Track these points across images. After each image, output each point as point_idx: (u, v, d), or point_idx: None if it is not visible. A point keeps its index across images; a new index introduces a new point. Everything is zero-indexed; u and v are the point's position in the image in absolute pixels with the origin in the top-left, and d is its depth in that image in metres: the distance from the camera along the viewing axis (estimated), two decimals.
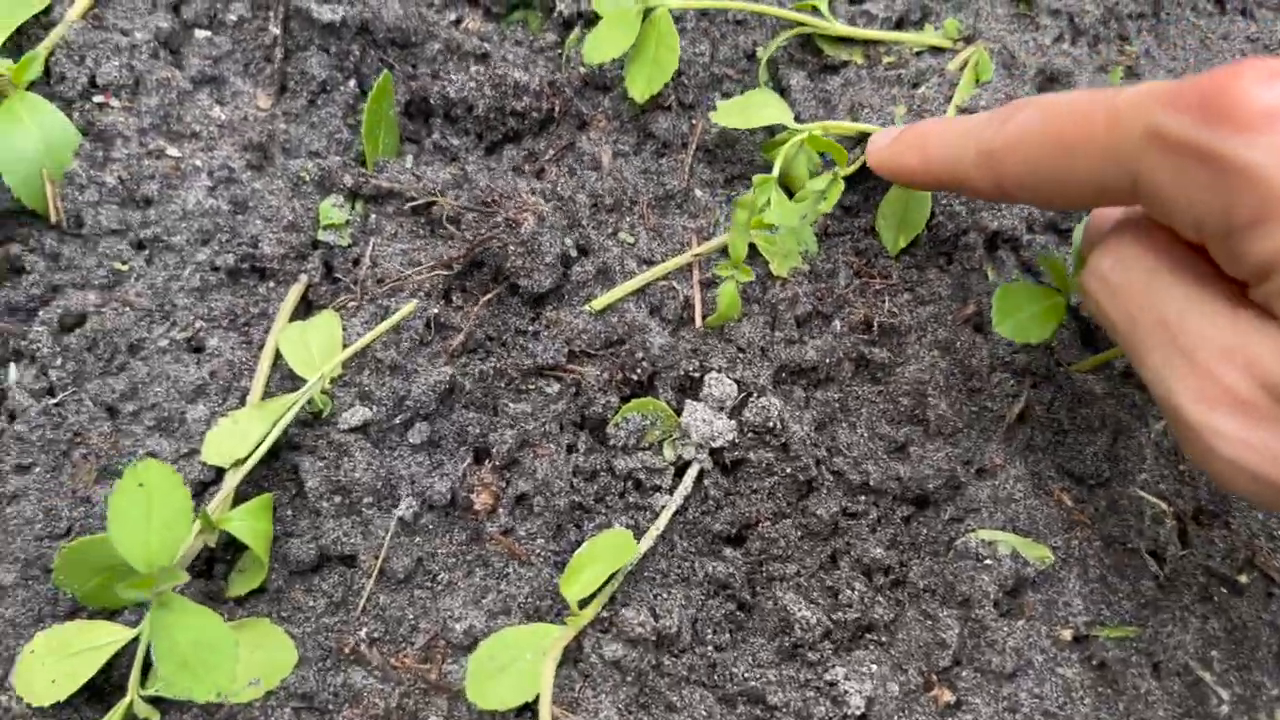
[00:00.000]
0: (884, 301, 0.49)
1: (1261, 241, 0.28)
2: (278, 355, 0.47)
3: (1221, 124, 0.28)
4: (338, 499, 0.44)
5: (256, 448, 0.43)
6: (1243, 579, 0.45)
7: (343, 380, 0.46)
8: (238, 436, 0.44)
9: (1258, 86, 0.28)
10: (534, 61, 0.55)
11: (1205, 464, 0.31)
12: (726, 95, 0.55)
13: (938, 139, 0.42)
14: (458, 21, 0.56)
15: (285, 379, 0.47)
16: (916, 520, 0.46)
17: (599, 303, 0.48)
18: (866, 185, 0.53)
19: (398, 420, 0.45)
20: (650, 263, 0.50)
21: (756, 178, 0.49)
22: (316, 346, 0.46)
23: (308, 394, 0.45)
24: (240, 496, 0.44)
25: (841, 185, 0.49)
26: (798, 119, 0.54)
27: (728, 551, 0.46)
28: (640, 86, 0.52)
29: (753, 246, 0.49)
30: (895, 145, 0.45)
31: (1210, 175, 0.29)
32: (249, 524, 0.42)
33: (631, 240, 0.50)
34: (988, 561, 0.44)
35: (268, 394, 0.46)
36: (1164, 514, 0.45)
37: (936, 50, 0.56)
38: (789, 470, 0.46)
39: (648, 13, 0.52)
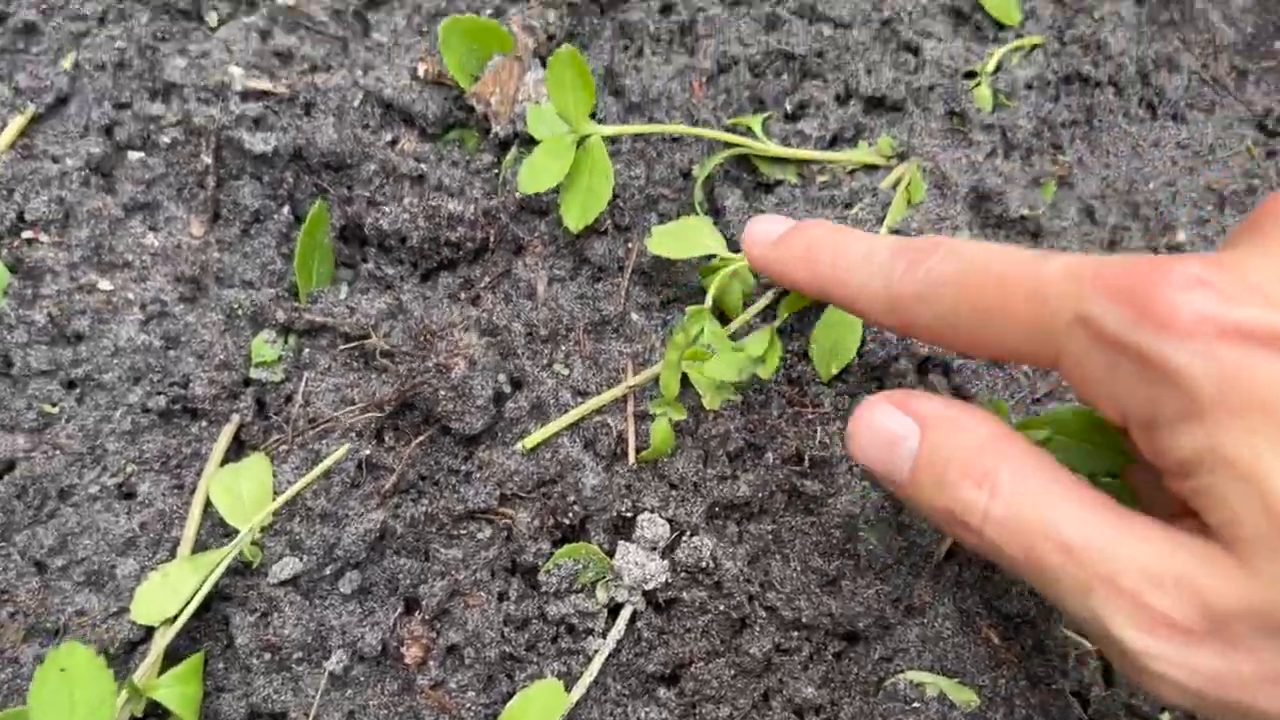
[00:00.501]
0: (816, 431, 0.50)
1: (1186, 439, 0.29)
2: (209, 502, 0.47)
3: (1151, 325, 0.29)
4: (268, 655, 0.44)
5: (186, 605, 0.43)
6: (1164, 718, 0.45)
7: (273, 529, 0.46)
8: (167, 592, 0.43)
9: (1184, 293, 0.29)
10: (470, 183, 0.55)
11: (1143, 684, 0.31)
12: (663, 216, 0.55)
13: (832, 260, 0.41)
14: (394, 142, 0.56)
15: (216, 525, 0.47)
16: (848, 657, 0.47)
17: (530, 441, 0.48)
18: (802, 305, 0.54)
19: (328, 570, 0.45)
20: (585, 394, 0.50)
21: (689, 309, 0.49)
22: (247, 494, 0.46)
23: (238, 547, 0.45)
24: (170, 653, 0.43)
25: (780, 346, 0.49)
26: (733, 240, 0.54)
27: (661, 693, 0.46)
28: (575, 216, 0.52)
29: (687, 376, 0.50)
30: (781, 250, 0.44)
31: (1140, 370, 0.30)
32: (177, 690, 0.42)
33: (566, 372, 0.51)
34: (915, 704, 0.44)
35: (199, 543, 0.46)
36: (1088, 654, 0.46)
37: (870, 168, 0.56)
38: (722, 608, 0.46)
39: (582, 140, 0.52)
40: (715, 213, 0.56)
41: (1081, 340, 0.31)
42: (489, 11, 0.59)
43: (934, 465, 0.34)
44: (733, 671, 0.46)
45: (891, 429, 0.36)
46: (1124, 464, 0.40)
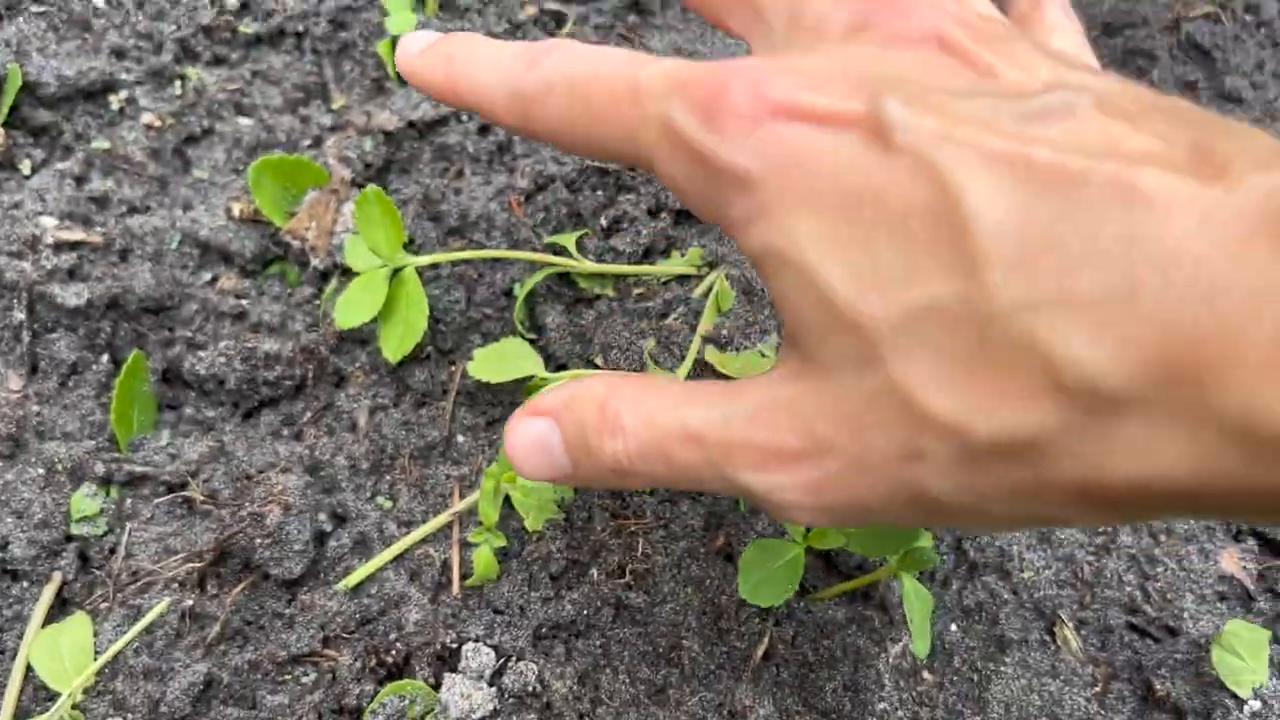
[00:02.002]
0: (639, 543, 0.51)
1: (756, 237, 0.30)
2: (31, 666, 0.47)
3: (716, 128, 0.30)
4: None
5: None
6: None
7: (96, 690, 0.46)
8: None
9: (743, 93, 0.30)
10: (291, 317, 0.56)
11: (784, 516, 0.32)
12: (486, 336, 0.57)
13: (465, 62, 0.41)
14: (213, 281, 0.57)
15: (39, 690, 0.47)
16: None
17: (351, 580, 0.49)
18: None
19: None
20: (410, 524, 0.51)
21: None
22: (68, 656, 0.46)
23: (57, 714, 0.45)
24: None
25: None
26: (554, 357, 0.56)
27: None
28: (392, 348, 0.53)
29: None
30: (423, 57, 0.43)
31: (711, 175, 0.31)
32: None
33: (390, 504, 0.52)
34: None
35: (21, 710, 0.46)
36: None
37: (683, 278, 0.59)
38: None
39: (396, 272, 0.53)
40: (538, 330, 0.58)
41: (665, 146, 0.32)
42: (307, 142, 0.61)
43: (578, 442, 0.35)
44: None
45: (535, 434, 0.37)
46: None
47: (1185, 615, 0.54)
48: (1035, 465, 0.26)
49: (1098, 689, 0.51)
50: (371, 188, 0.51)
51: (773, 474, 0.31)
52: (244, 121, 0.62)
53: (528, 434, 0.37)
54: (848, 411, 0.29)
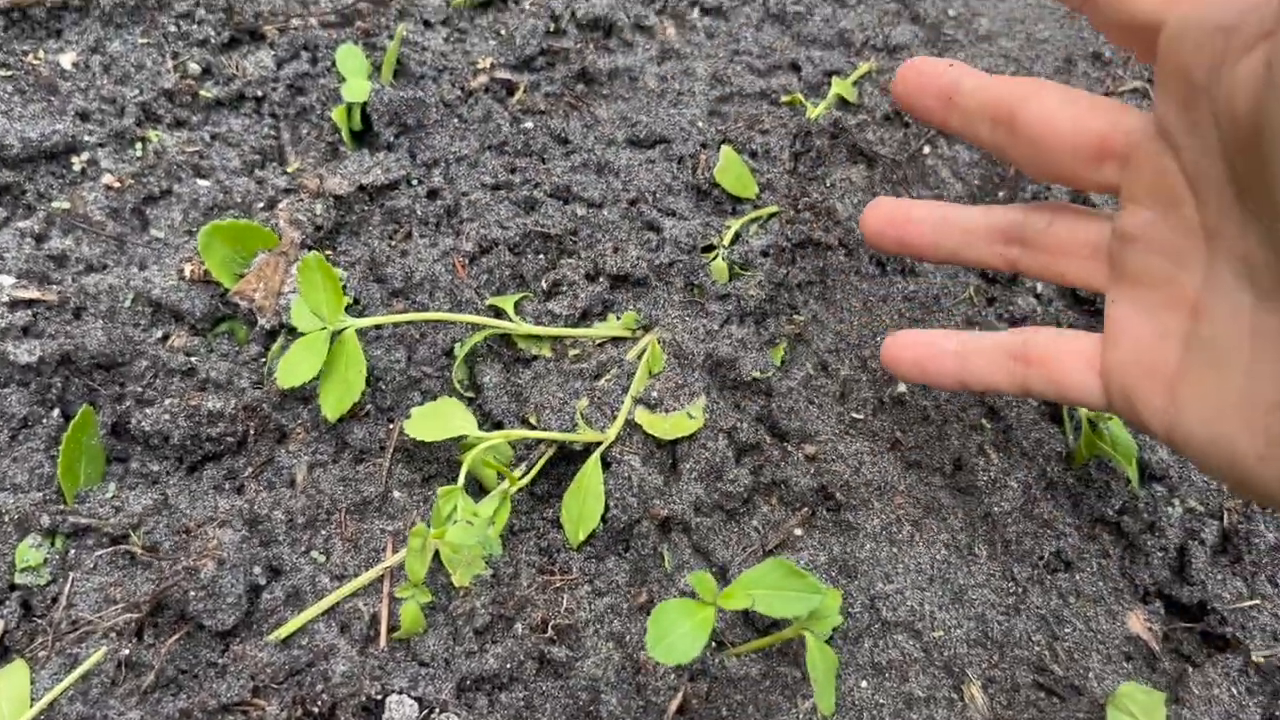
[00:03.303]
0: (563, 598, 0.54)
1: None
2: None
3: None
4: None
5: None
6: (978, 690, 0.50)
7: None
8: None
9: None
10: (238, 374, 0.58)
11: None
12: (426, 394, 0.59)
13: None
14: (165, 338, 0.59)
15: None
16: None
17: (282, 632, 0.51)
18: (558, 470, 0.58)
19: None
20: (344, 577, 0.53)
21: (441, 490, 0.53)
22: (5, 704, 0.48)
23: None
24: None
25: (509, 506, 0.53)
26: (491, 415, 0.58)
27: None
28: (331, 406, 0.55)
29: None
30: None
31: None
32: None
33: (323, 558, 0.54)
34: None
35: None
36: None
37: (618, 340, 0.61)
38: None
39: (337, 334, 0.56)
40: (477, 389, 0.60)
41: None
42: (262, 204, 0.63)
43: None
44: None
45: None
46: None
47: (1090, 675, 0.56)
48: None
49: None
50: (313, 254, 0.54)
51: None
52: (202, 183, 0.65)
53: None
54: None
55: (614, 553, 0.56)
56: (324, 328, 0.55)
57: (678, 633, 0.48)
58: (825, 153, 0.70)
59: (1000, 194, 0.74)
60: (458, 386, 0.59)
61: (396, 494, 0.57)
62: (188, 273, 0.59)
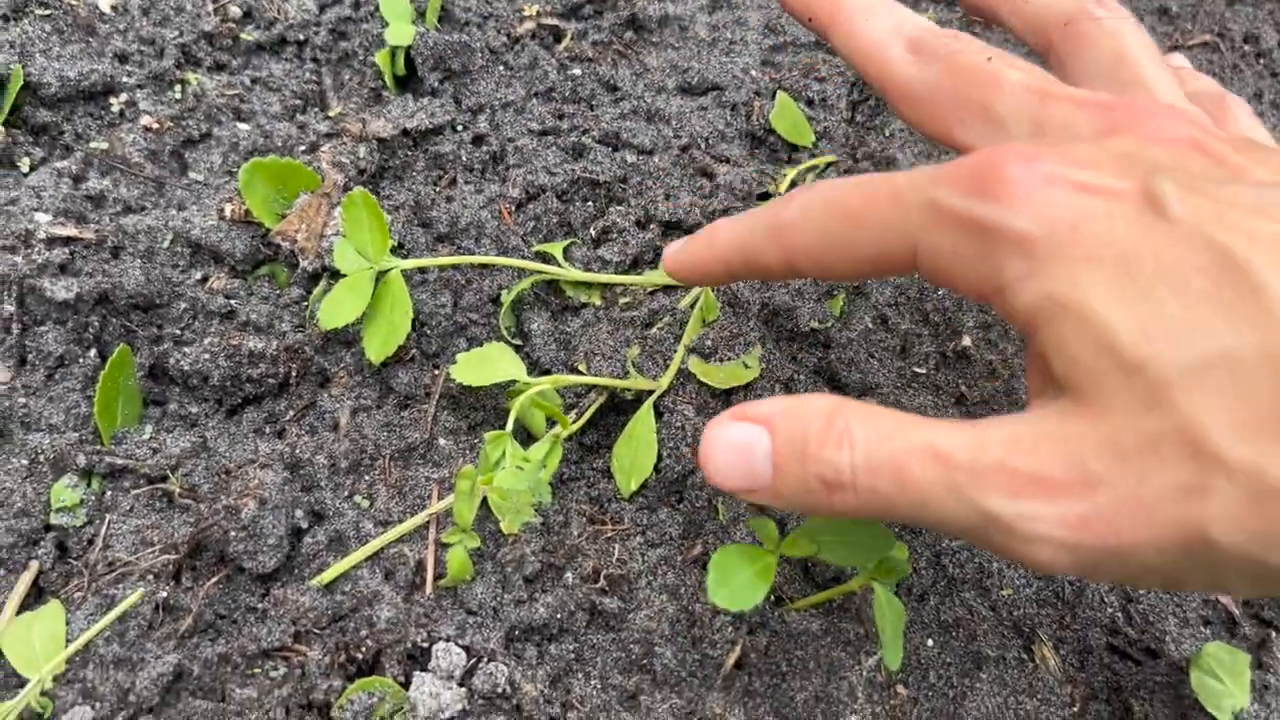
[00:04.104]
0: (615, 548, 0.51)
1: (1028, 294, 0.32)
2: (2, 654, 0.47)
3: (989, 196, 0.33)
4: None
5: None
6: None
7: (66, 677, 0.46)
8: None
9: (1018, 165, 0.33)
10: (279, 317, 0.56)
11: (1025, 555, 0.32)
12: (472, 341, 0.57)
13: (726, 226, 0.46)
14: (204, 280, 0.57)
15: (10, 677, 0.47)
16: None
17: (325, 577, 0.49)
18: (607, 422, 0.56)
19: (121, 717, 0.45)
20: (387, 524, 0.51)
21: (489, 435, 0.51)
22: (40, 644, 0.46)
23: (25, 700, 0.45)
24: None
25: (561, 450, 0.51)
26: (539, 363, 0.56)
27: None
28: (375, 349, 0.53)
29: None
30: (687, 245, 0.48)
31: (982, 241, 0.33)
32: None
33: (367, 503, 0.52)
34: None
35: None
36: None
37: (669, 289, 0.59)
38: None
39: (382, 274, 0.54)
40: (524, 336, 0.58)
41: (931, 227, 0.35)
42: (303, 148, 0.61)
43: (792, 449, 0.36)
44: None
45: (741, 439, 0.38)
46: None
47: (1167, 638, 0.53)
48: None
49: (1075, 709, 0.51)
50: (359, 190, 0.52)
51: (1028, 501, 0.31)
52: (242, 127, 0.63)
53: (729, 438, 0.38)
54: (1126, 449, 0.30)
55: (667, 504, 0.53)
56: (369, 268, 0.54)
57: (739, 578, 0.46)
58: (884, 103, 0.67)
59: None
60: (504, 333, 0.57)
61: (442, 441, 0.55)
62: (228, 213, 0.57)
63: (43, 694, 0.45)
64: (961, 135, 0.42)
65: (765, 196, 0.63)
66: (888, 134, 0.67)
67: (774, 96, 0.66)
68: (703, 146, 0.64)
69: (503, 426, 0.51)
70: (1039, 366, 0.35)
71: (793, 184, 0.63)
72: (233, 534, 0.47)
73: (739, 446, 0.38)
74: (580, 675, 0.49)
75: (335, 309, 0.53)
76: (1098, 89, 0.43)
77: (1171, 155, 0.34)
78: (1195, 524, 0.29)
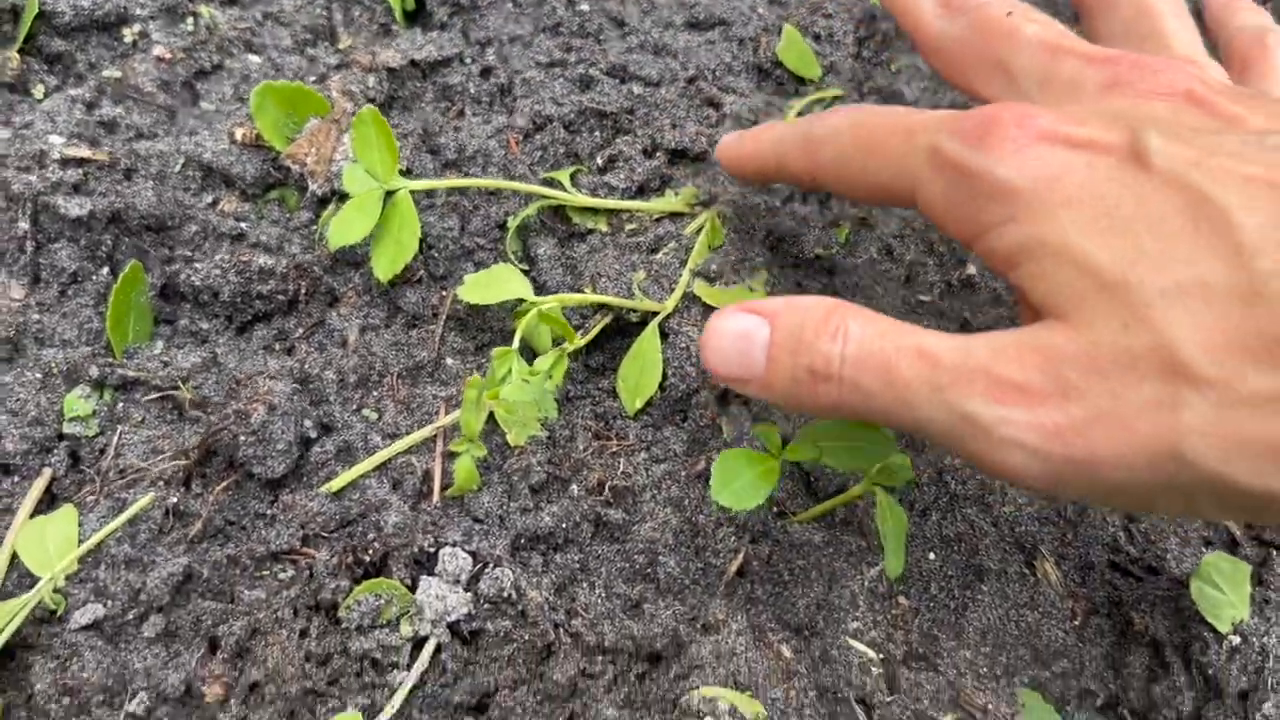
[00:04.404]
0: (620, 463, 0.52)
1: (1010, 236, 0.35)
2: (16, 555, 0.47)
3: (982, 147, 0.35)
4: (66, 700, 0.44)
5: None
6: (948, 719, 0.47)
7: (79, 577, 0.47)
8: None
9: (1014, 120, 0.35)
10: (289, 239, 0.57)
11: (997, 461, 0.33)
12: (479, 265, 0.58)
13: (767, 129, 0.50)
14: (214, 203, 0.58)
15: (24, 577, 0.48)
16: (649, 678, 0.48)
17: (335, 484, 0.49)
18: (613, 345, 0.56)
19: (132, 615, 0.46)
20: (395, 437, 0.52)
21: (495, 351, 0.52)
22: (53, 544, 0.47)
23: (38, 595, 0.45)
24: None
25: (566, 363, 0.52)
26: (545, 287, 0.57)
27: None
28: (384, 267, 0.54)
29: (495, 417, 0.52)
30: (740, 137, 0.53)
31: (971, 187, 0.36)
32: None
33: (375, 416, 0.52)
34: (708, 719, 0.46)
35: (4, 593, 0.47)
36: (870, 662, 0.48)
37: (676, 215, 0.59)
38: (527, 636, 0.48)
39: (389, 195, 0.54)
40: (530, 261, 0.58)
41: (929, 168, 0.38)
42: (313, 79, 0.62)
43: (788, 340, 0.38)
44: (538, 698, 0.48)
45: (743, 327, 0.39)
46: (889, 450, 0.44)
47: (1168, 556, 0.54)
48: None
49: (1076, 622, 0.51)
50: (368, 108, 0.53)
51: (1008, 407, 0.33)
52: (253, 59, 0.64)
53: (732, 326, 0.40)
54: (1106, 364, 0.31)
55: (671, 422, 0.54)
56: (377, 188, 0.54)
57: (742, 480, 0.47)
58: (890, 39, 0.68)
59: None
60: (511, 258, 0.58)
61: (449, 360, 0.55)
62: (239, 137, 0.58)
63: (55, 591, 0.46)
64: (981, 87, 0.44)
65: None
66: (894, 70, 0.67)
67: (781, 32, 0.66)
68: (709, 79, 0.64)
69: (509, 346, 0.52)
70: (1023, 303, 0.37)
71: (800, 115, 0.64)
72: (242, 438, 0.48)
73: (740, 334, 0.39)
74: (585, 584, 0.50)
75: (344, 228, 0.54)
76: (1121, 44, 0.45)
77: (1167, 109, 0.36)
78: (1167, 437, 0.30)
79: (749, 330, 0.39)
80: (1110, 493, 0.32)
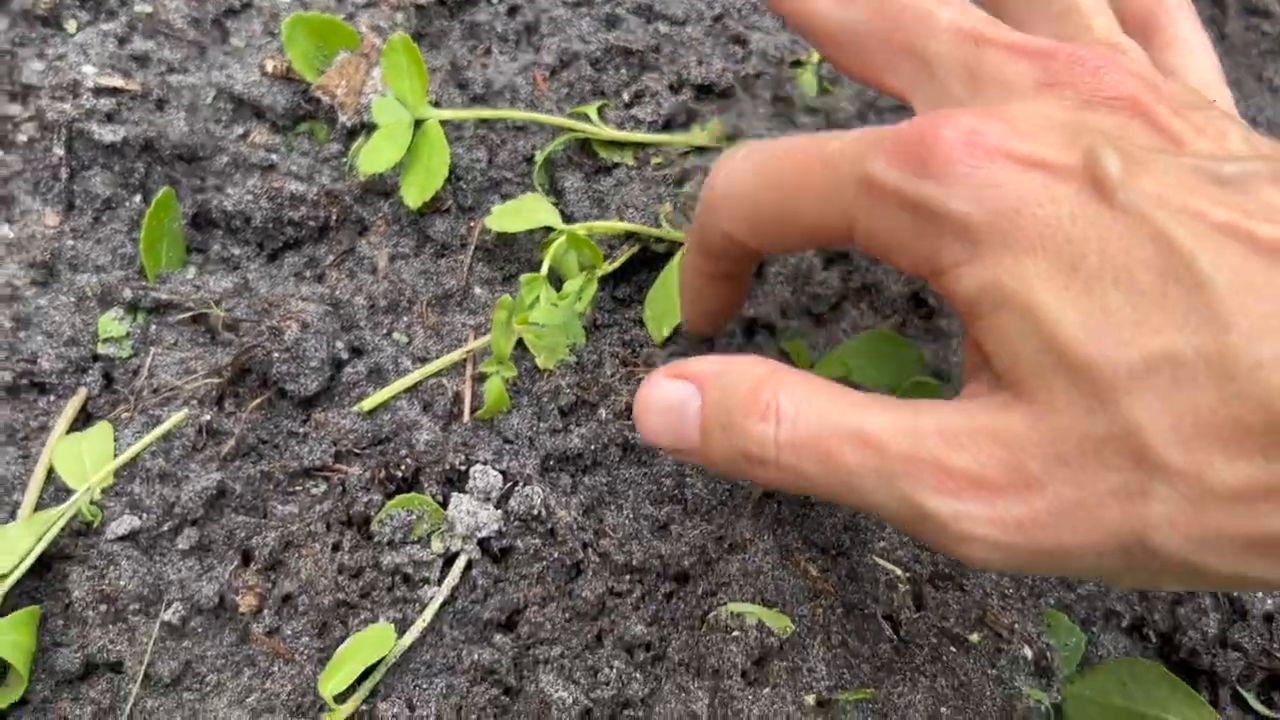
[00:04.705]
0: None
1: (969, 279, 0.31)
2: (52, 469, 0.48)
3: (927, 173, 0.31)
4: (103, 607, 0.45)
5: (21, 561, 0.44)
6: (974, 637, 0.48)
7: (114, 490, 0.48)
8: (4, 550, 0.45)
9: (956, 138, 0.31)
10: (319, 170, 0.57)
11: (958, 553, 0.31)
12: (505, 197, 0.58)
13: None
14: (245, 135, 0.58)
15: (60, 491, 0.48)
16: (676, 596, 0.49)
17: (368, 403, 0.50)
18: (639, 278, 0.57)
19: (166, 527, 0.47)
20: (425, 361, 0.52)
21: (524, 277, 0.52)
22: (89, 458, 0.48)
23: (74, 506, 0.46)
24: (10, 610, 0.44)
25: (595, 285, 0.52)
26: (572, 218, 0.57)
27: (497, 638, 0.48)
28: (414, 194, 0.54)
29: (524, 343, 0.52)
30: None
31: (921, 221, 0.32)
32: (8, 638, 0.43)
33: (406, 340, 0.53)
34: (736, 633, 0.46)
35: (41, 507, 0.48)
36: (898, 579, 0.48)
37: (702, 150, 0.60)
38: (556, 555, 0.48)
39: (419, 124, 0.55)
40: (557, 193, 0.59)
41: (866, 201, 0.33)
42: (341, 17, 0.62)
43: (718, 416, 0.35)
44: (567, 615, 0.48)
45: (672, 396, 0.36)
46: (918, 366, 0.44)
47: None
48: (1269, 517, 0.27)
49: None
50: (399, 35, 0.53)
51: (965, 502, 0.30)
52: None
53: (661, 398, 0.37)
54: (1069, 452, 0.29)
55: (698, 350, 0.54)
56: (407, 118, 0.54)
57: None
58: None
59: None
60: (539, 189, 0.58)
61: (477, 290, 0.56)
62: (270, 68, 0.58)
63: (91, 504, 0.47)
64: (892, 81, 0.39)
65: (798, 64, 0.63)
66: None
67: None
68: (736, 17, 0.65)
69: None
70: (975, 349, 0.33)
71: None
72: (276, 355, 0.49)
73: (671, 405, 0.36)
74: (613, 505, 0.50)
75: (374, 155, 0.54)
76: (1030, 23, 0.40)
77: (1114, 121, 0.33)
78: (1135, 529, 0.28)
79: (679, 402, 0.36)
80: (1078, 573, 0.31)
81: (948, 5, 0.38)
